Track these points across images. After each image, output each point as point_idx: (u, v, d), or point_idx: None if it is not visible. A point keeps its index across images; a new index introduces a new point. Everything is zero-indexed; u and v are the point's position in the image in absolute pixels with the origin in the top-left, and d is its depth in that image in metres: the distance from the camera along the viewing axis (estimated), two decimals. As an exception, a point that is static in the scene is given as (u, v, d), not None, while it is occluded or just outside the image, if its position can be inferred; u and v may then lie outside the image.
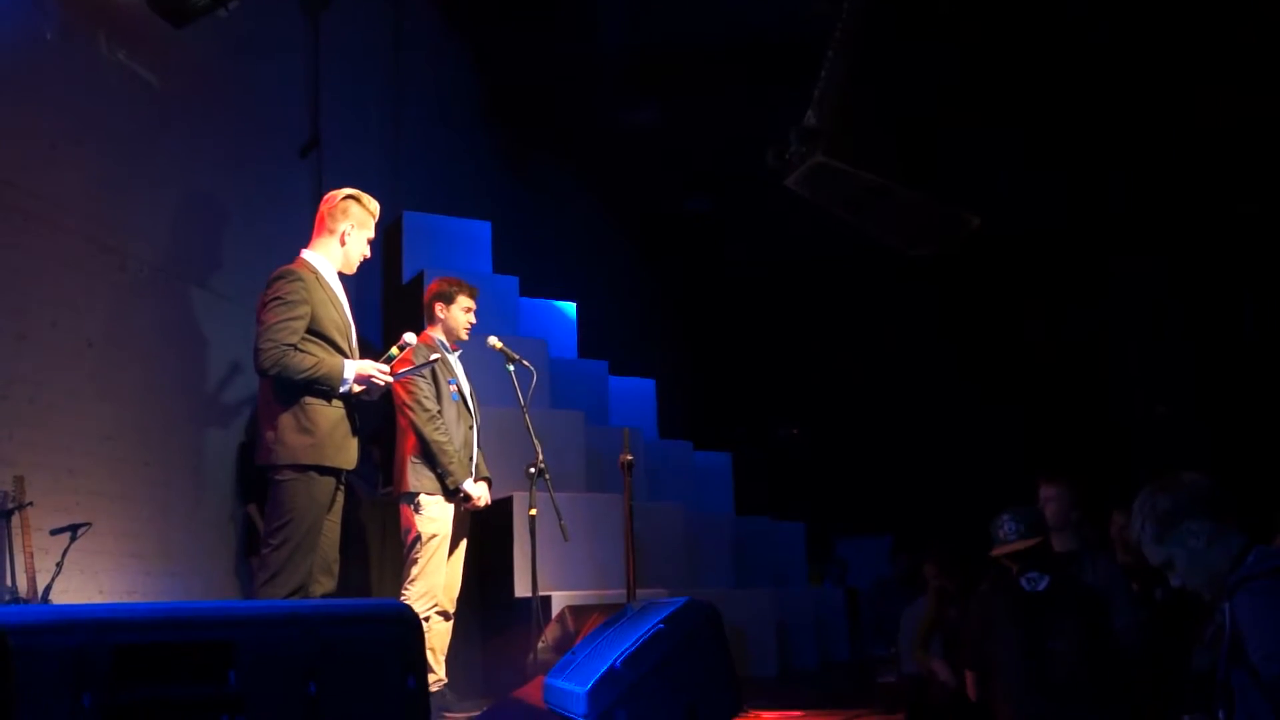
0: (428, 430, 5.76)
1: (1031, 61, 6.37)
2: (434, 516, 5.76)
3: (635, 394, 9.09)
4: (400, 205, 8.42)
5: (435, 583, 5.77)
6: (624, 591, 5.67)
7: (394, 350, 5.13)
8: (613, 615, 4.27)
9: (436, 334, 6.11)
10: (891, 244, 5.99)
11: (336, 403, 4.77)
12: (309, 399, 4.69)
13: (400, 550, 5.90)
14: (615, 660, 3.61)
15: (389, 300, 8.30)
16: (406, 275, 8.02)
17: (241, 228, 6.83)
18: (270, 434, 4.69)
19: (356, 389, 4.81)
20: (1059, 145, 7.62)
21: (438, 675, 5.82)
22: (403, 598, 5.71)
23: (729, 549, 8.34)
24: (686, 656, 3.67)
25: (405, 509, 5.80)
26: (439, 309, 6.14)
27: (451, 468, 5.74)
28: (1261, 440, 7.54)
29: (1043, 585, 4.55)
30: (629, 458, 5.76)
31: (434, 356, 5.63)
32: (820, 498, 11.25)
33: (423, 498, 5.75)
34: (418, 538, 5.75)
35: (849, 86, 5.70)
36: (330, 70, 8.07)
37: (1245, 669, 2.79)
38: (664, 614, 3.72)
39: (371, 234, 5.13)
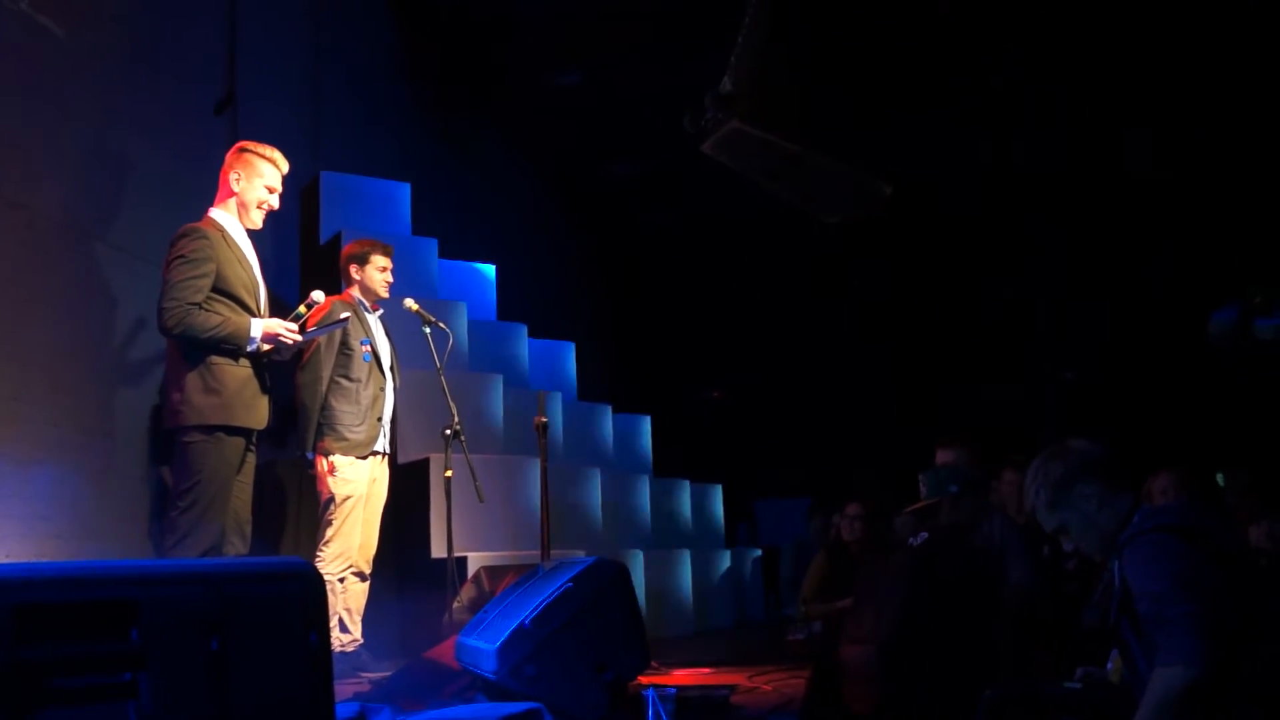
0: (300, 392, 5.79)
1: (945, 25, 6.46)
2: (348, 478, 5.77)
3: (555, 356, 9.12)
4: (318, 165, 8.33)
5: (350, 543, 5.79)
6: (539, 553, 5.74)
7: (301, 309, 5.11)
8: (524, 575, 4.34)
9: (356, 294, 6.10)
10: (806, 210, 6.08)
11: (244, 362, 4.76)
12: (215, 358, 4.67)
13: (316, 511, 5.91)
14: (525, 618, 3.69)
15: (306, 261, 8.22)
16: (324, 236, 7.95)
17: (154, 184, 6.69)
18: (176, 395, 4.66)
19: (265, 348, 4.80)
20: (973, 108, 7.76)
21: (353, 635, 5.85)
22: (317, 559, 5.73)
23: (647, 511, 8.44)
24: (595, 614, 3.75)
25: (319, 469, 5.81)
26: (354, 270, 6.12)
27: (305, 435, 5.76)
28: (1164, 404, 7.80)
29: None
30: (544, 419, 5.82)
31: (343, 316, 5.62)
32: (739, 460, 11.41)
33: (336, 458, 5.76)
34: (331, 499, 5.76)
35: (765, 52, 5.75)
36: (247, 25, 7.93)
37: (1133, 620, 2.94)
38: (573, 573, 3.80)
39: (269, 181, 5.08)
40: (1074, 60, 7.63)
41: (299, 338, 4.94)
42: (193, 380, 4.65)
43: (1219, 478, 6.07)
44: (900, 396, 10.92)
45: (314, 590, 2.17)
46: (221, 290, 4.76)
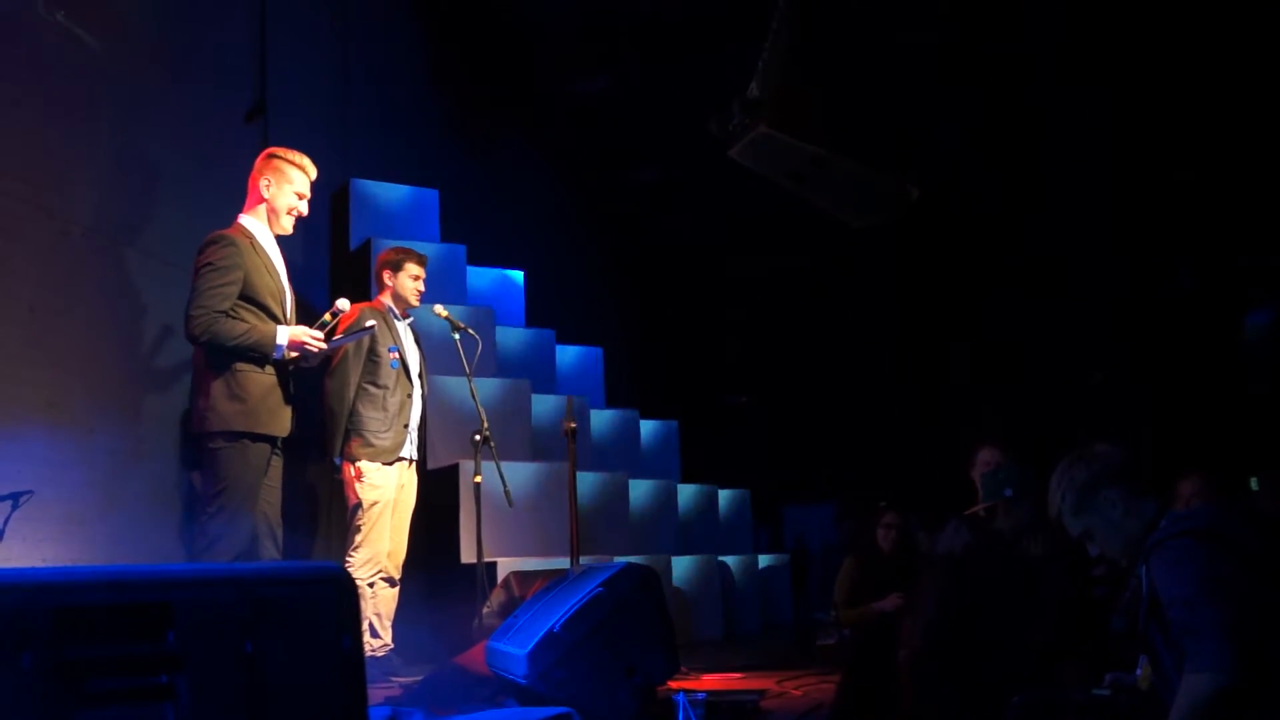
0: (328, 398, 5.82)
1: (971, 34, 6.46)
2: (375, 484, 5.80)
3: (583, 362, 9.14)
4: (348, 172, 8.38)
5: (379, 549, 5.82)
6: (568, 558, 5.75)
7: (327, 317, 5.12)
8: (554, 580, 4.35)
9: (386, 300, 6.14)
10: (833, 214, 6.08)
11: (269, 369, 4.78)
12: (241, 365, 4.70)
13: (345, 516, 5.95)
14: (555, 623, 3.70)
15: (336, 267, 8.27)
16: (354, 243, 8.00)
17: (184, 191, 6.76)
18: (203, 401, 4.70)
19: (291, 355, 4.83)
20: (1000, 115, 7.74)
21: (384, 640, 5.88)
22: (347, 564, 5.76)
23: (674, 516, 8.44)
24: (624, 619, 3.75)
25: (346, 475, 5.84)
26: (387, 276, 6.16)
27: (332, 441, 5.78)
28: (1189, 406, 7.74)
29: (958, 547, 4.68)
30: (572, 425, 5.83)
31: (369, 324, 5.65)
32: (767, 464, 11.38)
33: (363, 464, 5.79)
34: (359, 504, 5.79)
35: (792, 58, 5.76)
36: (277, 33, 7.99)
37: (1162, 626, 2.92)
38: (602, 578, 3.80)
39: (299, 188, 5.11)
40: (1096, 66, 7.60)
41: (324, 346, 4.97)
42: (218, 387, 4.69)
43: (1252, 481, 6.01)
44: (927, 399, 10.87)
45: (346, 594, 2.18)
46: (248, 298, 4.79)
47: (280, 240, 5.15)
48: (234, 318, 4.72)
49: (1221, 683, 2.70)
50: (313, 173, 5.17)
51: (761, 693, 4.30)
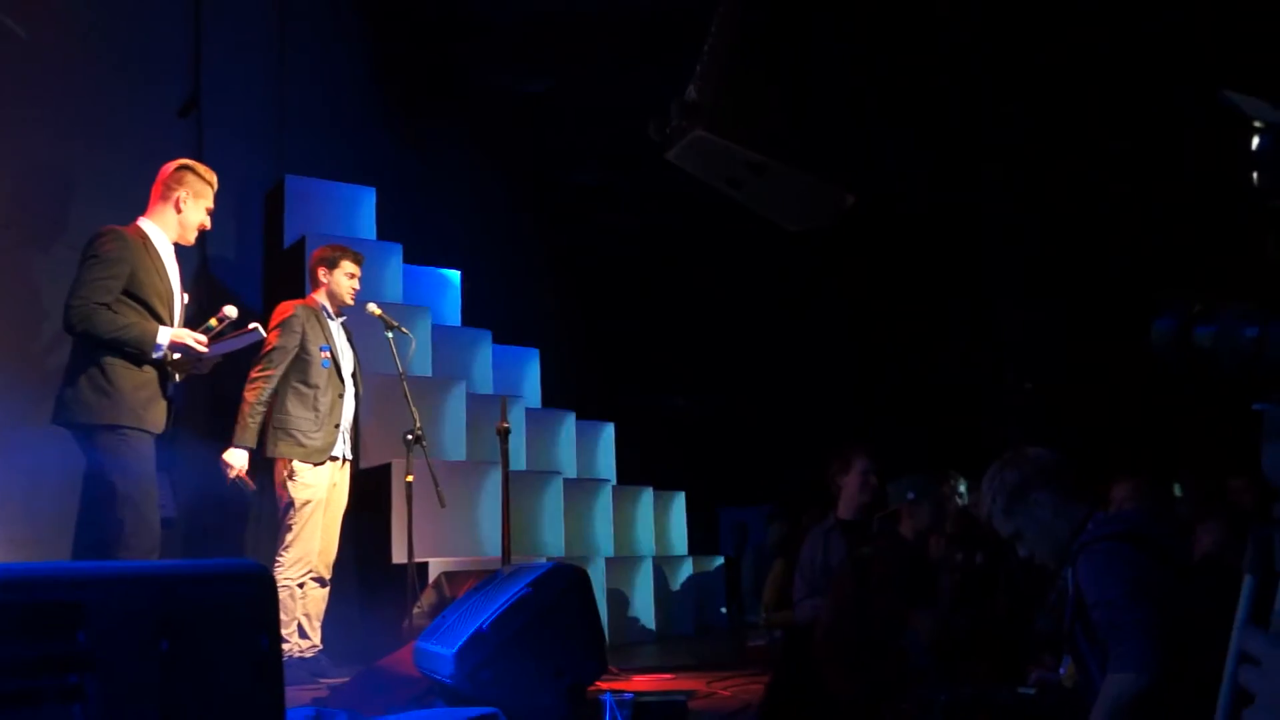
0: (247, 389, 5.73)
1: (906, 39, 6.53)
2: (307, 483, 5.74)
3: (519, 362, 9.11)
4: (283, 169, 8.28)
5: (310, 549, 5.76)
6: (500, 559, 5.73)
7: (213, 321, 5.00)
8: (484, 580, 4.33)
9: (321, 298, 6.07)
10: (770, 220, 6.09)
11: (146, 368, 4.71)
12: (113, 359, 4.62)
13: (276, 516, 5.88)
14: (483, 623, 3.69)
15: (269, 265, 8.17)
16: (288, 240, 7.90)
17: (114, 186, 6.64)
18: (68, 391, 4.64)
19: (172, 356, 4.76)
20: (934, 116, 7.83)
21: (313, 641, 5.82)
22: (277, 564, 5.70)
23: (609, 518, 8.44)
24: (553, 619, 3.75)
25: (277, 474, 5.77)
26: (322, 273, 6.09)
27: (241, 434, 5.67)
28: (1124, 413, 7.88)
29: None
30: (506, 426, 5.82)
31: (251, 326, 5.48)
32: (703, 467, 11.41)
33: (295, 464, 5.73)
34: (290, 504, 5.73)
35: (731, 62, 5.77)
36: (212, 27, 7.89)
37: (1086, 626, 2.98)
38: (531, 578, 3.80)
39: (210, 204, 5.09)
40: (1034, 71, 7.73)
41: (207, 349, 4.87)
42: (83, 378, 4.62)
43: (1175, 487, 6.15)
44: (862, 404, 10.98)
45: (265, 593, 2.16)
46: (134, 295, 4.72)
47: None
48: (114, 312, 4.65)
49: (1144, 682, 2.77)
50: (216, 186, 5.14)
51: (690, 693, 4.32)
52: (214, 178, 5.08)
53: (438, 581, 5.66)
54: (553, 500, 7.70)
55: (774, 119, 5.81)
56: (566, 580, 3.86)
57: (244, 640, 2.13)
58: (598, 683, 4.18)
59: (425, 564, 6.26)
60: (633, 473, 9.38)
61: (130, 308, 4.69)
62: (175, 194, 4.96)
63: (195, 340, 4.80)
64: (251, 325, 5.37)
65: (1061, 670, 3.63)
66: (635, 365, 11.64)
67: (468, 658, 3.62)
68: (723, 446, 11.88)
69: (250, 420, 5.68)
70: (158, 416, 4.77)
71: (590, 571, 6.56)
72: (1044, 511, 3.19)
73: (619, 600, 7.76)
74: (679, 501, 9.59)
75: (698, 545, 9.87)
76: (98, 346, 4.62)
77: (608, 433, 9.36)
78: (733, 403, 11.98)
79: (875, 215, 8.09)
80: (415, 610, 5.47)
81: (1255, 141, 1.61)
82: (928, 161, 8.32)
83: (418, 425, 5.82)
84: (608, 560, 7.79)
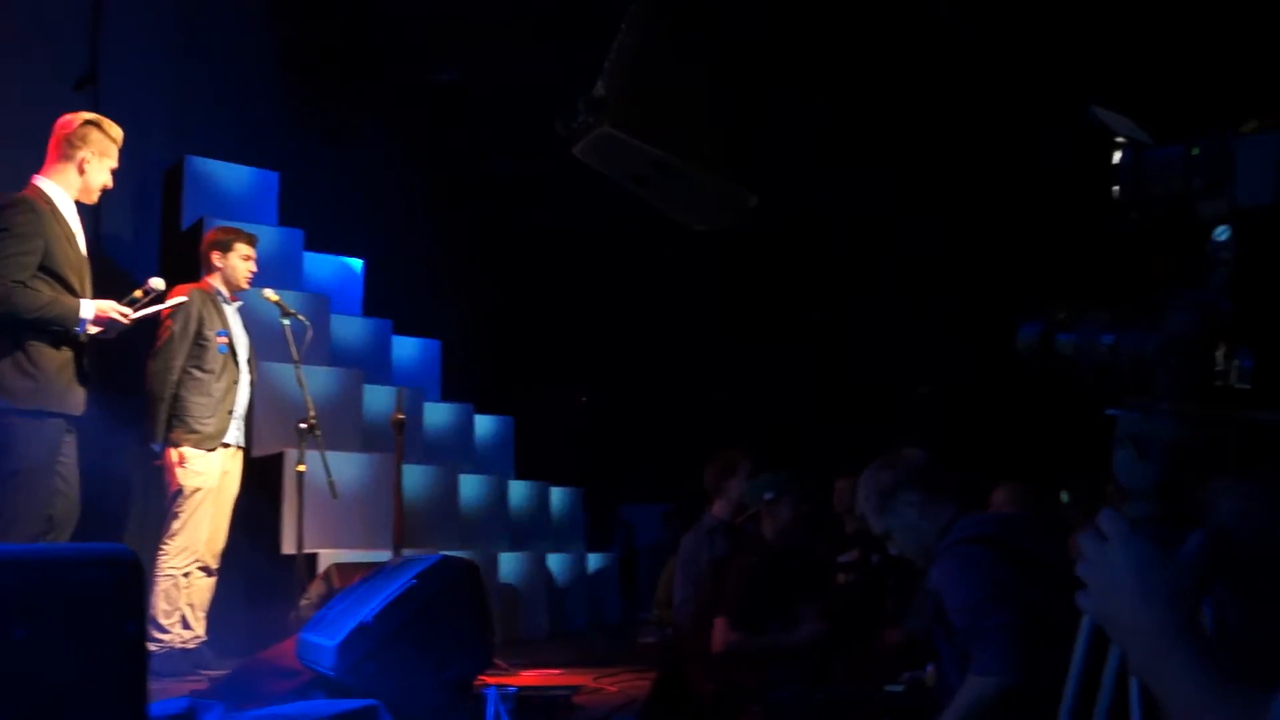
0: (150, 380, 5.61)
1: (814, 45, 6.62)
2: (197, 470, 5.63)
3: (420, 354, 9.03)
4: (183, 148, 8.10)
5: (197, 537, 5.65)
6: (392, 551, 5.68)
7: (138, 294, 4.89)
8: (371, 572, 4.29)
9: (216, 283, 5.95)
10: (673, 218, 6.13)
11: (65, 345, 4.56)
12: (34, 340, 4.45)
13: (163, 503, 5.75)
14: (366, 615, 3.65)
15: (166, 247, 7.98)
16: (186, 222, 7.73)
17: (5, 160, 6.44)
18: None
19: (94, 330, 4.60)
20: (839, 118, 7.94)
21: (196, 632, 5.71)
22: (161, 553, 5.57)
23: (505, 511, 8.41)
24: (438, 612, 3.73)
25: (168, 461, 5.65)
26: (215, 258, 5.97)
27: (153, 426, 5.58)
28: (1014, 418, 8.06)
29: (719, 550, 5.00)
30: (401, 417, 5.77)
31: (177, 300, 5.42)
32: (605, 464, 11.43)
33: (185, 450, 5.61)
34: (179, 491, 5.61)
35: (639, 59, 5.79)
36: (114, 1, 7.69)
37: (944, 627, 3.05)
38: (418, 570, 3.77)
39: (115, 163, 4.87)
40: (933, 74, 7.88)
41: (130, 324, 4.75)
42: (7, 362, 4.44)
43: (1063, 494, 6.31)
44: (765, 404, 11.08)
45: (131, 578, 2.11)
46: (48, 269, 4.53)
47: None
48: (31, 289, 4.47)
49: (1003, 685, 2.84)
50: (120, 143, 4.96)
51: (576, 688, 4.33)
52: (120, 134, 4.89)
53: (327, 573, 5.58)
54: (448, 493, 7.65)
55: (681, 118, 5.87)
56: (454, 573, 3.83)
57: (108, 626, 2.08)
58: (483, 677, 4.16)
59: (315, 555, 6.18)
60: (532, 467, 9.37)
61: (45, 283, 4.51)
62: (79, 154, 4.72)
63: (119, 313, 4.66)
64: (179, 299, 5.27)
65: (928, 668, 3.72)
66: (539, 360, 11.62)
67: (350, 650, 3.58)
68: (624, 444, 11.91)
69: (163, 414, 5.57)
70: (78, 398, 4.62)
71: (484, 566, 6.55)
72: (912, 512, 3.27)
73: (512, 595, 7.73)
74: (576, 497, 9.59)
75: (596, 541, 9.89)
76: (20, 327, 4.42)
77: (507, 426, 9.33)
78: (636, 400, 12.01)
79: (781, 216, 8.20)
80: (303, 602, 5.39)
81: (1117, 156, 1.66)
82: (832, 164, 8.43)
83: (311, 414, 5.75)
84: (502, 555, 7.77)
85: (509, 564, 7.81)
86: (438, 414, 8.53)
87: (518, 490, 8.83)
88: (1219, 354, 1.52)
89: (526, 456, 9.52)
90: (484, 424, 9.06)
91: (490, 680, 4.28)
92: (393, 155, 11.15)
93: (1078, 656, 1.64)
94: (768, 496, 5.04)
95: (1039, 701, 2.83)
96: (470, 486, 8.07)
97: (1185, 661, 1.15)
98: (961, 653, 3.01)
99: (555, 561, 8.48)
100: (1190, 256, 1.61)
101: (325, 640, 3.68)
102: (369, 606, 3.68)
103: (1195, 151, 1.56)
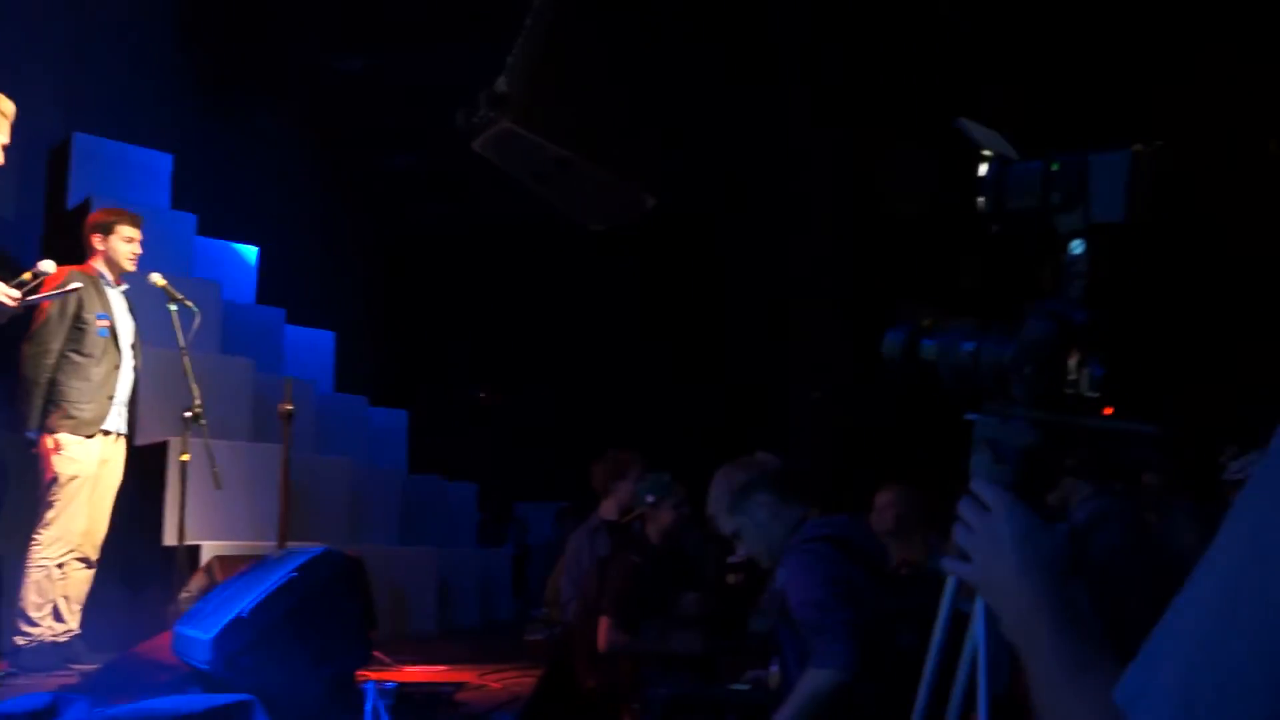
0: (24, 365, 5.45)
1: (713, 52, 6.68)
2: (74, 457, 5.46)
3: (314, 345, 8.90)
4: (72, 125, 7.87)
5: (73, 527, 5.48)
6: (277, 543, 5.59)
7: (27, 276, 4.76)
8: (252, 564, 4.22)
9: (99, 265, 5.78)
10: (572, 216, 6.15)
11: None
12: None
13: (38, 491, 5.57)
14: (244, 608, 3.59)
15: (51, 226, 7.75)
16: (72, 201, 7.52)
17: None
18: None
19: None
20: (738, 121, 8.01)
21: (68, 625, 5.54)
22: (34, 543, 5.41)
23: (398, 506, 8.34)
24: (318, 606, 3.68)
25: (43, 448, 5.48)
26: (97, 240, 5.80)
27: (27, 411, 5.42)
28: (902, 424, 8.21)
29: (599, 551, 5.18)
30: (289, 407, 5.69)
31: (72, 285, 5.31)
32: (503, 461, 11.38)
33: (62, 436, 5.45)
34: (55, 479, 5.44)
35: (543, 57, 5.79)
36: (3, -32, 7.44)
37: (789, 625, 3.15)
38: (298, 562, 3.72)
39: (6, 138, 4.74)
40: (834, 78, 8.00)
41: (17, 306, 4.62)
42: None
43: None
44: (664, 406, 11.14)
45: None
46: None
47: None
48: None
49: (841, 679, 2.96)
50: (11, 116, 4.81)
51: (460, 685, 4.31)
52: (12, 109, 4.74)
53: (209, 565, 5.47)
54: (338, 486, 7.56)
55: (582, 117, 5.88)
56: (335, 566, 3.79)
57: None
58: (365, 672, 4.12)
59: (197, 547, 6.05)
60: (427, 462, 9.30)
61: None
62: None
63: (8, 295, 4.50)
64: (75, 285, 5.12)
65: (773, 668, 3.80)
66: (438, 355, 11.54)
67: (226, 643, 3.52)
68: (521, 441, 11.88)
69: (38, 399, 5.40)
70: None
71: (374, 560, 6.49)
72: (762, 513, 3.36)
73: (402, 591, 7.66)
74: (470, 493, 9.55)
75: (490, 538, 9.85)
76: None
77: (401, 420, 9.25)
78: (534, 397, 11.99)
79: (679, 217, 8.26)
80: (182, 595, 5.28)
81: (983, 169, 1.71)
82: (732, 166, 8.51)
83: (197, 403, 5.63)
84: (393, 550, 7.70)
85: (400, 559, 7.74)
86: (331, 406, 8.42)
87: (411, 485, 8.75)
88: (1072, 363, 1.58)
89: (421, 451, 9.44)
90: (378, 417, 8.96)
91: (373, 676, 4.24)
92: (293, 142, 10.98)
93: (938, 635, 1.69)
94: (649, 499, 5.11)
95: (873, 696, 2.94)
96: (362, 479, 7.98)
97: (1057, 629, 1.19)
98: (804, 649, 3.11)
99: (447, 557, 8.42)
100: (1049, 268, 1.67)
101: (200, 634, 3.61)
102: (247, 599, 3.62)
103: (1055, 168, 1.62)
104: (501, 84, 5.82)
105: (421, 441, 9.60)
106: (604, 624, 4.60)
